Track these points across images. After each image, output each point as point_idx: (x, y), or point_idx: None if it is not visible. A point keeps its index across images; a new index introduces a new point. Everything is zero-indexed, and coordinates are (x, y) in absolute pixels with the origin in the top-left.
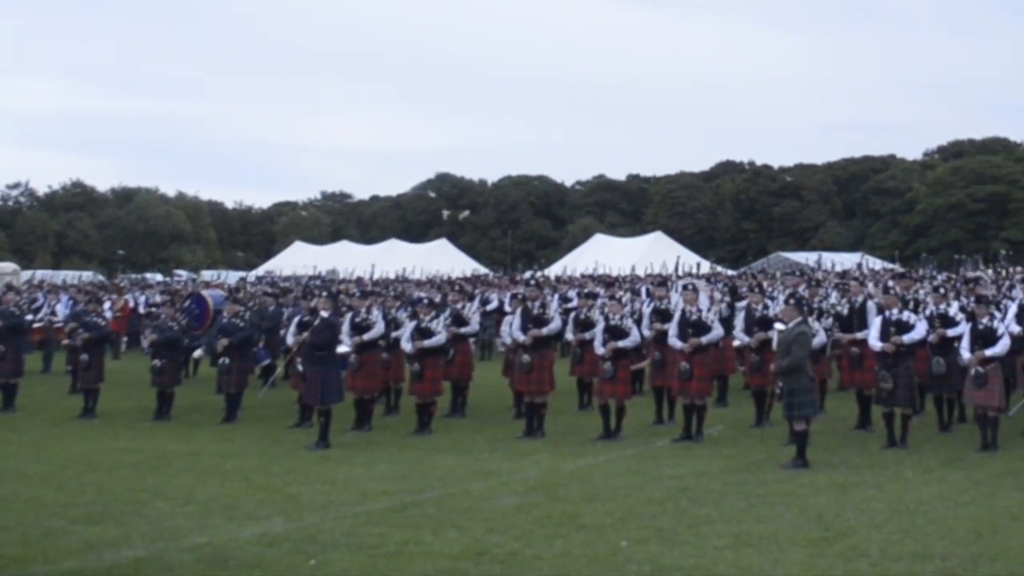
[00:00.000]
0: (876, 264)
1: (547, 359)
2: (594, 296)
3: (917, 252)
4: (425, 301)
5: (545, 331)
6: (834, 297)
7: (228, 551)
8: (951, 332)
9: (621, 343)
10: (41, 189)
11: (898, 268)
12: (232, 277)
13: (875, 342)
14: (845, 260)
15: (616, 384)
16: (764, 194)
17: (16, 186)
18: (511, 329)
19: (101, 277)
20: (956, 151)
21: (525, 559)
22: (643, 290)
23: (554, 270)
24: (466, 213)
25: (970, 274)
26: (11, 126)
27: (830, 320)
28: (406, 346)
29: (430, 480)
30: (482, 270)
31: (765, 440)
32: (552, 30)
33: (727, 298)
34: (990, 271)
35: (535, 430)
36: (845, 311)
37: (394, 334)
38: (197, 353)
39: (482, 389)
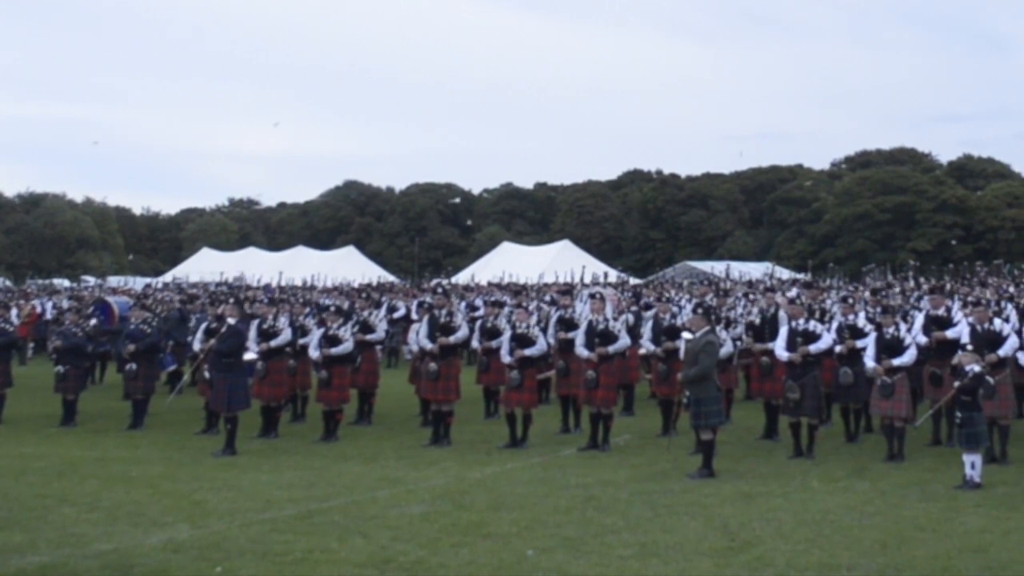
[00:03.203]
0: (784, 274)
1: (454, 367)
2: (501, 305)
3: (824, 262)
4: (332, 308)
5: (452, 339)
6: (741, 307)
7: (134, 558)
8: (860, 343)
9: (527, 351)
10: None
11: (804, 278)
12: (139, 283)
13: (782, 352)
14: (752, 270)
15: (522, 393)
16: (671, 203)
17: None
18: (418, 337)
19: (8, 283)
20: (863, 161)
21: (431, 567)
22: (549, 298)
23: (461, 278)
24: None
25: (877, 284)
26: None
27: (738, 329)
28: (314, 353)
29: (336, 488)
30: (389, 277)
31: (671, 449)
32: (460, 38)
33: (634, 307)
34: (890, 279)
35: (441, 438)
36: (758, 320)
37: (301, 341)
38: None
39: (388, 397)
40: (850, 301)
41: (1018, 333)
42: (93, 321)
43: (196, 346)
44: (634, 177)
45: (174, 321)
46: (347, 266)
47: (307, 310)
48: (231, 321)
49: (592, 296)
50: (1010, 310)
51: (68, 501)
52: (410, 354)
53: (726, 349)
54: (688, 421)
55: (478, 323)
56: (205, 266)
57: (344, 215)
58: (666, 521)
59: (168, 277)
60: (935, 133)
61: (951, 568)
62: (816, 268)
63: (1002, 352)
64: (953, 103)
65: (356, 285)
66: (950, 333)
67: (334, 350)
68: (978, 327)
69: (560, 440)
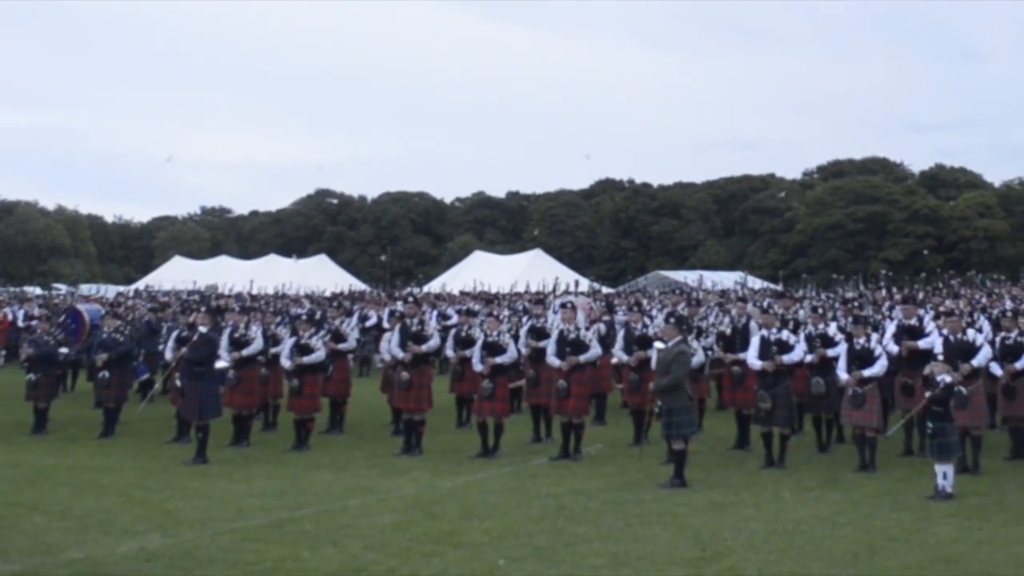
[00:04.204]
0: (756, 283)
1: (426, 376)
2: (474, 313)
3: (796, 272)
4: (304, 317)
5: (424, 348)
6: (713, 316)
7: (105, 566)
8: (831, 352)
9: (498, 359)
10: None
11: (776, 288)
12: (111, 291)
13: (754, 361)
14: (724, 279)
15: (494, 402)
16: (643, 212)
17: None
18: (390, 346)
19: None
20: (835, 171)
21: None
22: (522, 307)
23: (433, 287)
24: None
25: (849, 294)
26: None
27: (710, 339)
28: (286, 362)
29: (308, 496)
30: (361, 286)
31: (643, 459)
32: (432, 48)
33: (607, 316)
34: (862, 288)
35: (413, 447)
36: (728, 331)
37: (273, 350)
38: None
39: (360, 406)
40: (820, 311)
41: (991, 344)
42: (65, 317)
43: (168, 354)
44: (606, 186)
45: (144, 331)
46: (319, 275)
47: (279, 319)
48: (203, 329)
49: (563, 305)
50: (982, 321)
51: (39, 510)
52: (382, 363)
53: (698, 359)
54: (660, 431)
55: (452, 332)
56: (177, 274)
57: (316, 223)
58: (638, 531)
59: (140, 285)
60: (907, 143)
61: None
62: (788, 278)
63: (975, 362)
64: (925, 113)
65: (328, 294)
66: (923, 343)
67: (306, 359)
68: (951, 338)
69: (532, 450)
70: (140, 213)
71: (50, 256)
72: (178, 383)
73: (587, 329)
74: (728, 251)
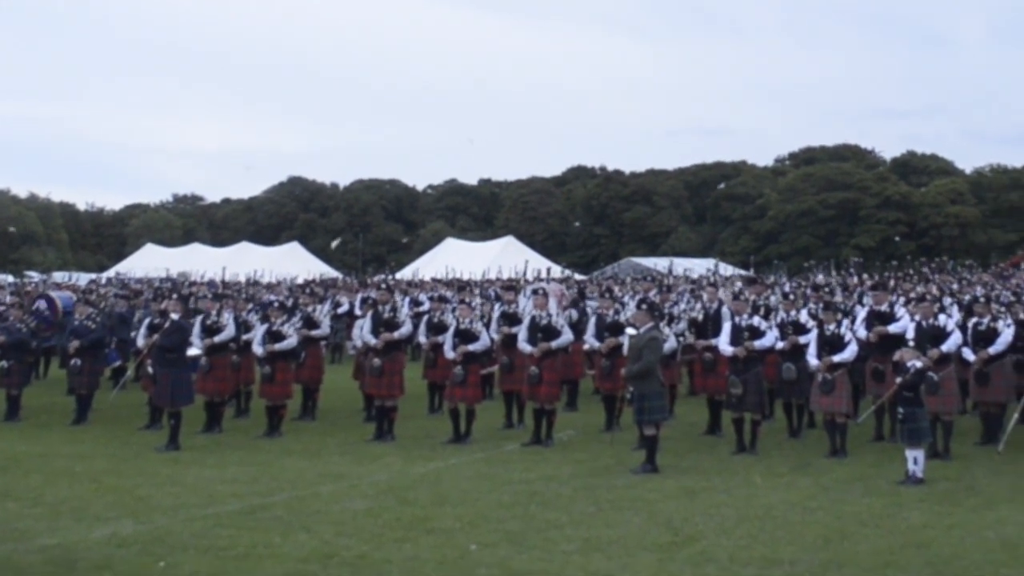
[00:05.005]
0: (728, 270)
1: (398, 363)
2: (446, 300)
3: (768, 258)
4: (276, 304)
5: (396, 335)
6: (685, 303)
7: (77, 552)
8: (802, 339)
9: (471, 347)
10: None
11: (747, 274)
12: (83, 279)
13: (726, 347)
14: (696, 266)
15: (466, 388)
16: (615, 199)
17: None
18: (362, 332)
19: None
20: (807, 157)
21: (374, 562)
22: (493, 294)
23: (405, 274)
24: None
25: (819, 279)
26: None
27: (681, 325)
28: (258, 349)
29: (280, 483)
30: (333, 273)
31: (615, 445)
32: (403, 34)
33: (581, 303)
34: (835, 276)
35: (385, 433)
36: (700, 317)
37: (245, 337)
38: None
39: (332, 392)
40: (791, 297)
41: (962, 329)
42: (40, 303)
43: (140, 341)
44: (578, 173)
45: (117, 318)
46: (291, 262)
47: (250, 306)
48: (174, 316)
49: (535, 292)
50: (952, 307)
51: (11, 496)
52: (354, 350)
53: (669, 345)
54: (631, 417)
55: (424, 319)
56: (149, 262)
57: (288, 211)
58: (609, 516)
59: (112, 272)
60: (878, 129)
61: (893, 563)
62: (760, 264)
63: (945, 348)
64: (896, 99)
65: (300, 281)
66: (894, 328)
67: (278, 346)
68: (923, 323)
69: (503, 436)
70: (112, 201)
71: (22, 244)
72: (150, 370)
73: (559, 315)
74: (700, 238)
